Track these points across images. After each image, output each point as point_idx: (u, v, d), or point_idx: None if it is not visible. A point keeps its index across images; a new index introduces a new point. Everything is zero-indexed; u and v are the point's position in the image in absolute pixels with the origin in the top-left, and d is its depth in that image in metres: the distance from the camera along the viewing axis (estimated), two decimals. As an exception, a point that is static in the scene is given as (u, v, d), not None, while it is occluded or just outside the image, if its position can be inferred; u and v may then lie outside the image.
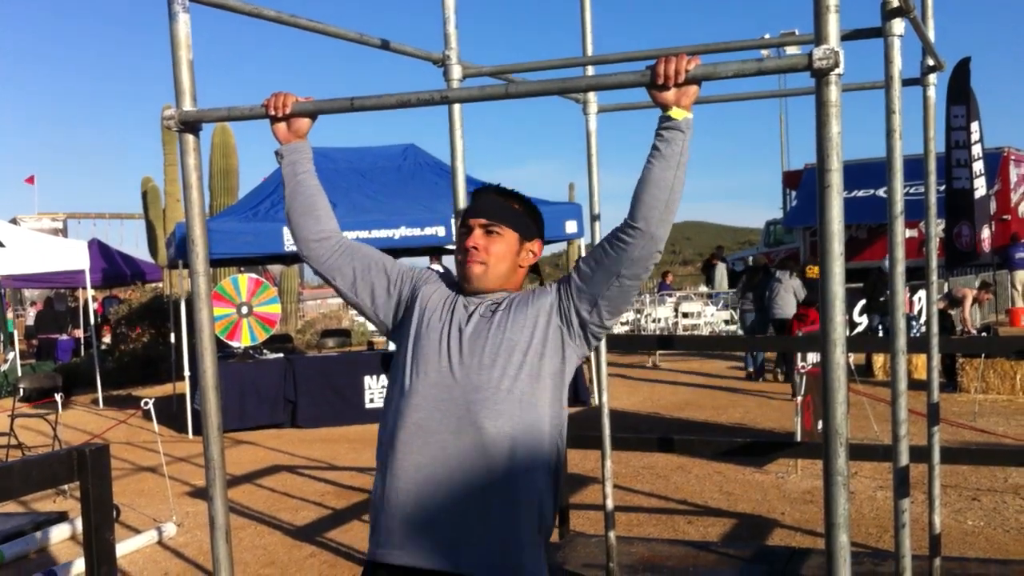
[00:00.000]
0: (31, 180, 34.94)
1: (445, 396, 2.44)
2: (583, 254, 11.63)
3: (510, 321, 2.49)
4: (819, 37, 2.07)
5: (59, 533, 6.77)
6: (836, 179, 2.10)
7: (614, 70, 4.01)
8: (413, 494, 2.42)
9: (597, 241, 4.98)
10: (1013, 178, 23.20)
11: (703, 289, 24.35)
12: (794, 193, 26.38)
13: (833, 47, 2.05)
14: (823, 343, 2.12)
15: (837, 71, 2.06)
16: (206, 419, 2.64)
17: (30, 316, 28.38)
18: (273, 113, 2.58)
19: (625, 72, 2.39)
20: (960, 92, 6.79)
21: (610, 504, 4.93)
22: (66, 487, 7.89)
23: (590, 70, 4.40)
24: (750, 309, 14.80)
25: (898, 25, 3.42)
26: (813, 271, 17.37)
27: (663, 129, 2.32)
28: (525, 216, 2.64)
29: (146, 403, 7.43)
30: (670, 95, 2.26)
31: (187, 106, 2.55)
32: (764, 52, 4.72)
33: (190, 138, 2.58)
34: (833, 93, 2.08)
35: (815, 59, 2.05)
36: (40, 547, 6.59)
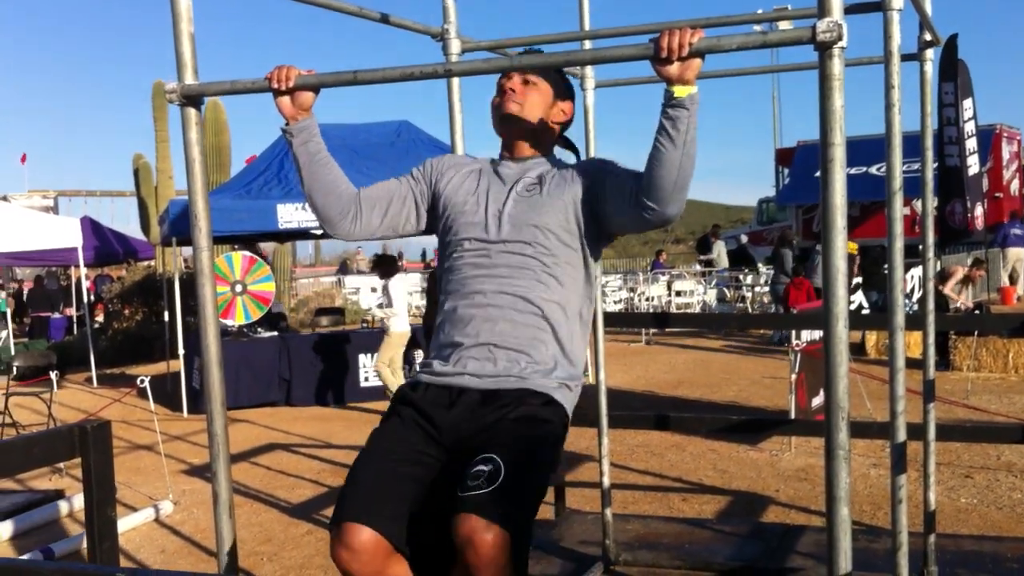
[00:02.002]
0: (24, 159, 34.85)
1: (484, 272, 2.65)
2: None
3: (545, 202, 2.67)
4: (822, 10, 2.06)
5: (56, 511, 6.79)
6: (839, 153, 2.09)
7: (611, 44, 3.99)
8: (457, 322, 2.66)
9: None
10: (1005, 155, 23.16)
11: (700, 263, 24.45)
12: (786, 171, 26.27)
13: (837, 20, 2.04)
14: (825, 316, 2.12)
15: (840, 44, 2.05)
16: (209, 394, 2.65)
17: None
18: (277, 86, 2.54)
19: (628, 45, 2.37)
20: (949, 68, 6.79)
21: (606, 482, 4.93)
22: (62, 465, 7.89)
23: (587, 44, 4.37)
24: (779, 281, 15.77)
25: (897, -1, 3.40)
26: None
27: (668, 107, 2.31)
28: (560, 79, 2.85)
29: (142, 381, 7.42)
30: (673, 69, 2.25)
31: (189, 79, 2.53)
32: (756, 27, 4.69)
33: (192, 112, 2.56)
34: (836, 66, 2.07)
35: (819, 32, 2.04)
36: (37, 525, 6.60)
